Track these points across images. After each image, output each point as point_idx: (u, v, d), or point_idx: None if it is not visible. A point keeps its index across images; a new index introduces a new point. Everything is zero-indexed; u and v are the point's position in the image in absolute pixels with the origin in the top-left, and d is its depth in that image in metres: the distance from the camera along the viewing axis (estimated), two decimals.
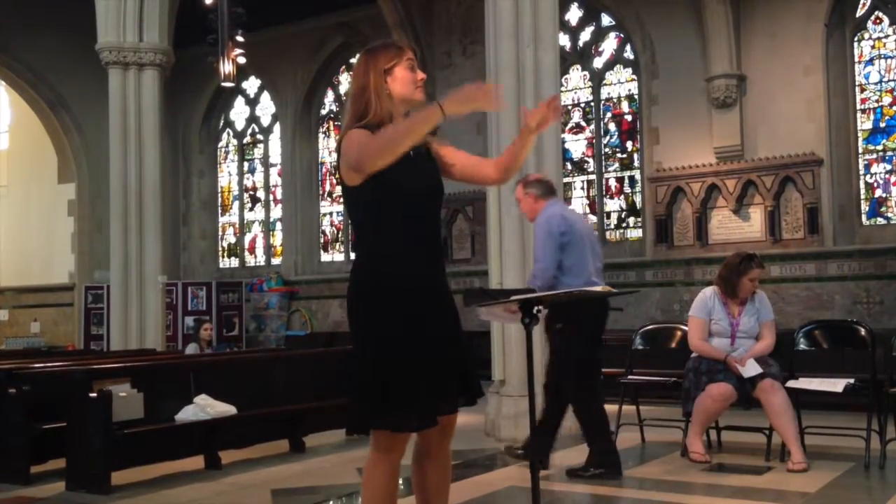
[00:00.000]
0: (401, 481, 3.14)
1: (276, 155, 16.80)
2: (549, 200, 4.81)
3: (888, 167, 11.56)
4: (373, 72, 2.93)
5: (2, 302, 17.21)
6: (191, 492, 5.51)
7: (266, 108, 17.00)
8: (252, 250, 17.24)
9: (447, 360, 2.94)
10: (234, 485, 5.75)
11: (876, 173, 11.64)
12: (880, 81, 11.64)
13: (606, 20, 13.47)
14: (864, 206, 11.68)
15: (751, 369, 5.67)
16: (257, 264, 17.02)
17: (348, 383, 3.07)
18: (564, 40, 13.28)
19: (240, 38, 10.58)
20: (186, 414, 6.24)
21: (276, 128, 16.74)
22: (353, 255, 3.05)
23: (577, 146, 13.57)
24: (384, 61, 2.94)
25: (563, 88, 12.82)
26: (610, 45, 13.48)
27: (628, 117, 13.28)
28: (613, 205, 13.36)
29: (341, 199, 15.92)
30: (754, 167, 11.72)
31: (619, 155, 13.33)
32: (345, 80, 16.12)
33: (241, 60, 10.84)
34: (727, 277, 5.95)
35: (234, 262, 17.40)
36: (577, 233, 4.65)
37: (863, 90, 11.74)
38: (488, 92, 2.77)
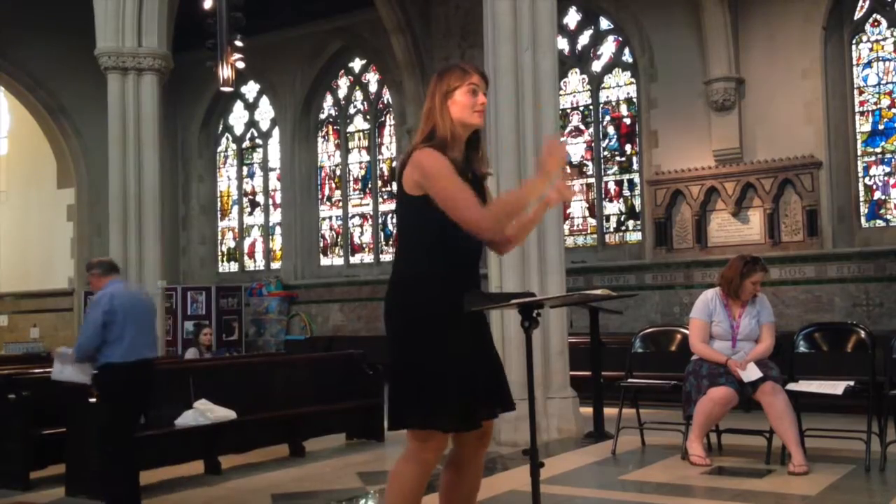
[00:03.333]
0: None
1: (275, 159, 16.79)
2: (110, 279, 5.29)
3: (887, 169, 11.57)
4: (438, 94, 3.09)
5: (1, 307, 17.19)
6: (191, 497, 5.50)
7: (265, 112, 17.00)
8: (251, 255, 17.23)
9: (486, 367, 3.08)
10: (233, 490, 5.75)
11: (875, 175, 11.65)
12: (878, 84, 11.65)
13: (605, 23, 13.48)
14: (864, 209, 11.68)
15: (751, 373, 5.66)
16: (257, 269, 17.01)
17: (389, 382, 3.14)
18: (563, 44, 13.29)
19: (239, 43, 10.58)
20: (186, 419, 6.24)
21: (276, 132, 16.74)
22: (393, 257, 3.16)
23: (576, 149, 13.58)
24: (447, 84, 3.09)
25: (561, 92, 12.83)
26: (608, 48, 13.49)
27: (627, 120, 13.28)
28: (613, 208, 13.36)
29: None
30: (753, 170, 11.72)
31: (618, 158, 13.34)
32: (343, 85, 16.14)
33: (240, 65, 10.84)
34: (730, 279, 5.95)
35: (234, 267, 17.39)
36: (123, 311, 5.11)
37: (861, 93, 11.76)
38: (557, 155, 3.04)
